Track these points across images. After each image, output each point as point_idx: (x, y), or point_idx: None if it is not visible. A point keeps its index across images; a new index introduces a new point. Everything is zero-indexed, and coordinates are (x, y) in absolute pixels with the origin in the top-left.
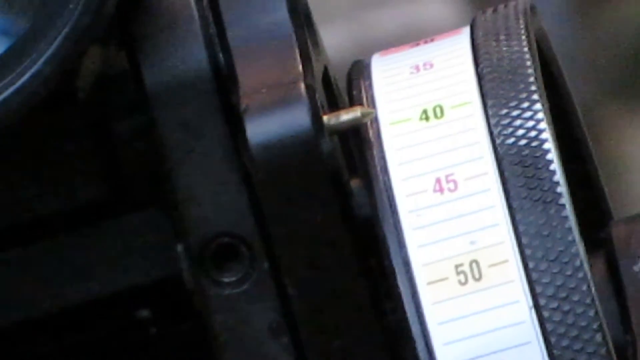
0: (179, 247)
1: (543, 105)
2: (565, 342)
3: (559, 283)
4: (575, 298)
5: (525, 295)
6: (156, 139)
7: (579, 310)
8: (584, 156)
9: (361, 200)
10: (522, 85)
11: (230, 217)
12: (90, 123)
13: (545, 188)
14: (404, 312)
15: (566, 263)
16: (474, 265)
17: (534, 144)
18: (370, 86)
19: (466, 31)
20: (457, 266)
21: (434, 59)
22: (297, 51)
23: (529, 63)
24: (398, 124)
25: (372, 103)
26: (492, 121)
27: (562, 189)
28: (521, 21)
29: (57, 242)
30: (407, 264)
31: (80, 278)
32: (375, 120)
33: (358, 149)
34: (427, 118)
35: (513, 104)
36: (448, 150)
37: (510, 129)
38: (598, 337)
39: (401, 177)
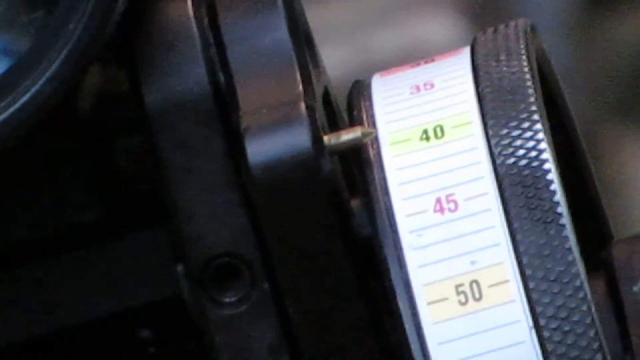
0: (179, 267)
1: (543, 125)
2: None
3: (559, 303)
4: (576, 318)
5: (525, 315)
6: (156, 159)
7: (579, 330)
8: (584, 176)
9: (361, 220)
10: (522, 105)
11: (230, 237)
12: (90, 142)
13: (546, 208)
14: (404, 332)
15: (566, 283)
16: (474, 285)
17: (535, 164)
18: (370, 106)
19: (467, 51)
20: (457, 286)
21: (435, 79)
22: (297, 71)
23: (529, 83)
24: (398, 144)
25: (372, 123)
26: (493, 141)
27: (563, 209)
28: (521, 41)
29: (57, 263)
30: (407, 284)
31: (80, 298)
32: (376, 140)
33: (358, 169)
34: (427, 138)
35: (513, 123)
36: (448, 171)
37: (511, 149)
38: (598, 357)
39: (401, 197)
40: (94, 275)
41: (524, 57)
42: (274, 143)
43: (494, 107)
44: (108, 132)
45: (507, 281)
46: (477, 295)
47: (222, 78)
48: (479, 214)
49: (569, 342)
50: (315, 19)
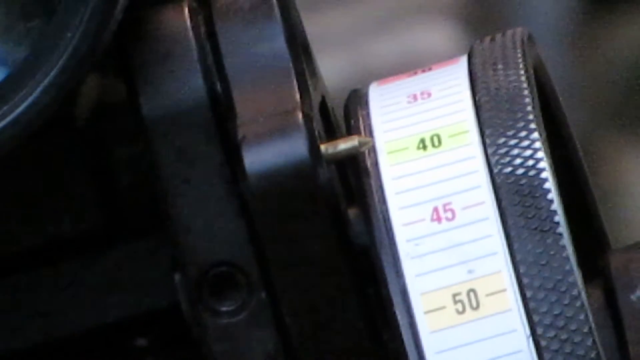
0: (176, 276)
1: (540, 134)
2: None
3: (556, 312)
4: (573, 327)
5: (522, 324)
6: (153, 168)
7: (577, 339)
8: (581, 185)
9: (359, 229)
10: (519, 114)
11: (228, 246)
12: (88, 151)
13: (543, 217)
14: (402, 341)
15: (564, 292)
16: (471, 294)
17: (532, 172)
18: (367, 115)
19: (464, 60)
20: (454, 295)
21: (432, 88)
22: (294, 80)
23: (526, 92)
24: (395, 153)
25: (369, 132)
26: (490, 150)
27: (560, 217)
28: (518, 50)
29: (55, 272)
30: (404, 293)
31: (77, 307)
32: (373, 149)
33: (355, 178)
34: (424, 147)
35: (511, 132)
36: (446, 179)
37: (508, 158)
38: None
39: (399, 206)
40: (91, 284)
41: (521, 66)
42: (271, 152)
43: (491, 116)
44: (105, 141)
45: (504, 290)
46: (474, 304)
47: (219, 87)
48: (476, 223)
49: (566, 351)
50: (313, 28)
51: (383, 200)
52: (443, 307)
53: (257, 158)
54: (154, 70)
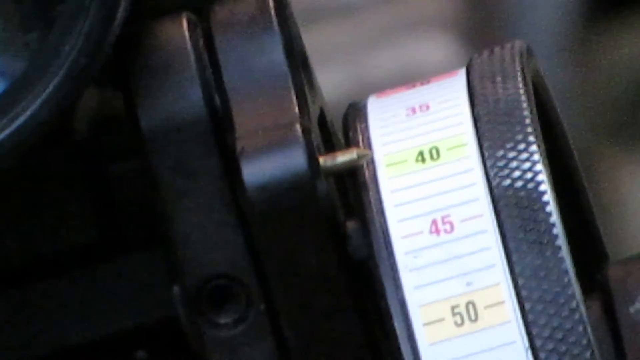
0: (175, 289)
1: (539, 147)
2: None
3: (555, 324)
4: (572, 339)
5: (521, 336)
6: (151, 181)
7: (575, 351)
8: (580, 197)
9: (357, 242)
10: (518, 127)
11: (226, 258)
12: (86, 164)
13: (542, 229)
14: (401, 354)
15: (562, 304)
16: (470, 306)
17: (530, 185)
18: (366, 128)
19: (462, 73)
20: (453, 307)
21: (430, 100)
22: (293, 93)
23: (525, 105)
24: (394, 166)
25: (368, 145)
26: (489, 163)
27: (559, 230)
28: (517, 63)
29: (53, 285)
30: (403, 305)
31: (76, 320)
32: (372, 161)
33: (354, 190)
34: (423, 160)
35: (509, 145)
36: (444, 192)
37: (507, 171)
38: None
39: (397, 218)
40: (90, 297)
41: (519, 79)
42: (270, 164)
43: (490, 128)
44: (104, 154)
45: (502, 302)
46: (473, 317)
47: (217, 100)
48: (475, 235)
49: None
50: (311, 40)
51: (382, 213)
52: (442, 319)
53: (256, 171)
54: (153, 83)
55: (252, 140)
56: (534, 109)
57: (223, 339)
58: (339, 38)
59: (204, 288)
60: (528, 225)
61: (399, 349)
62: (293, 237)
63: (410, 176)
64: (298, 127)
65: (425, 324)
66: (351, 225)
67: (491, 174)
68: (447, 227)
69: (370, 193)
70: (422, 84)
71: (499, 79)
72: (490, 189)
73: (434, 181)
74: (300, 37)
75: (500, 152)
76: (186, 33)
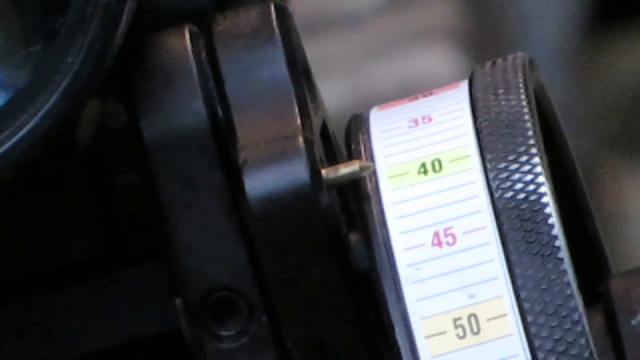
0: (177, 301)
1: (541, 158)
2: None
3: (557, 337)
4: (574, 352)
5: (523, 349)
6: (154, 193)
7: None
8: (582, 209)
9: (360, 254)
10: (520, 139)
11: (229, 270)
12: (88, 176)
13: (544, 241)
14: None
15: (565, 317)
16: (472, 319)
17: (533, 197)
18: (368, 140)
19: (465, 85)
20: (455, 320)
21: (433, 112)
22: (295, 105)
23: (527, 117)
24: (396, 178)
25: (370, 157)
26: (491, 175)
27: (561, 242)
28: (519, 75)
29: (56, 297)
30: (405, 317)
31: (79, 332)
32: (374, 173)
33: (356, 202)
34: (425, 172)
35: (511, 157)
36: (446, 204)
37: (509, 183)
38: None
39: (399, 230)
40: (92, 309)
41: (522, 91)
42: (272, 176)
43: (492, 140)
44: (106, 166)
45: (505, 315)
46: (475, 329)
47: (220, 111)
48: (477, 247)
49: None
50: (314, 52)
51: (384, 225)
52: (444, 332)
53: (258, 182)
54: (155, 94)
55: (254, 152)
56: (536, 121)
57: (225, 351)
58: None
59: (206, 300)
60: (530, 238)
61: None
62: (295, 249)
63: (412, 188)
64: (300, 139)
65: (428, 337)
66: (353, 237)
67: (493, 186)
68: (450, 239)
69: (373, 205)
70: (424, 95)
71: (501, 91)
72: (493, 201)
73: (437, 193)
74: (303, 49)
75: (503, 164)
76: (188, 45)
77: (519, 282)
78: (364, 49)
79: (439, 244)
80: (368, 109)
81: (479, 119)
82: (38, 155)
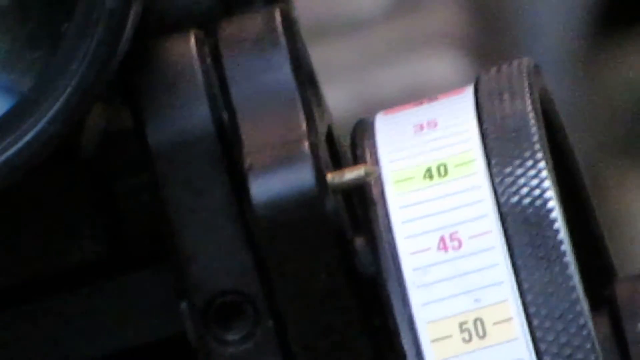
0: (183, 305)
1: (547, 163)
2: None
3: (563, 341)
4: (580, 356)
5: (529, 353)
6: (159, 197)
7: None
8: (587, 213)
9: (365, 259)
10: (525, 144)
11: (234, 275)
12: (93, 181)
13: (549, 246)
14: None
15: (570, 321)
16: (478, 323)
17: (538, 202)
18: (374, 145)
19: (470, 90)
20: (461, 324)
21: (438, 117)
22: (300, 109)
23: (532, 122)
24: (402, 183)
25: (375, 161)
26: (496, 179)
27: (566, 246)
28: (525, 80)
29: (59, 302)
30: (411, 321)
31: (84, 337)
32: (379, 178)
33: (362, 207)
34: (430, 176)
35: (517, 162)
36: (452, 209)
37: (514, 187)
38: None
39: (405, 235)
40: (97, 313)
41: (527, 95)
42: (278, 181)
43: (498, 145)
44: (111, 171)
45: (510, 319)
46: (481, 333)
47: (225, 116)
48: (483, 252)
49: None
50: (319, 57)
51: (389, 230)
52: (450, 336)
53: (264, 187)
54: (160, 100)
55: (259, 156)
56: (542, 126)
57: (231, 356)
58: (347, 55)
59: (211, 304)
60: (536, 242)
61: None
62: (301, 253)
63: (418, 193)
64: (306, 143)
65: (433, 341)
66: (359, 241)
67: (499, 190)
68: (455, 243)
69: (378, 209)
70: (429, 100)
71: (506, 96)
72: (498, 206)
73: (442, 198)
74: (308, 54)
75: (508, 169)
76: (194, 50)
77: (525, 286)
78: (369, 54)
79: (445, 248)
80: (373, 114)
81: (485, 124)
82: (43, 160)
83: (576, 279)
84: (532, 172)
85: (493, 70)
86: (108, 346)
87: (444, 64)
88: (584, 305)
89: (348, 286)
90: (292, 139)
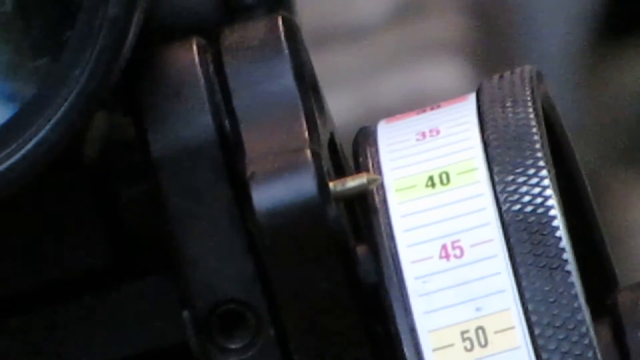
0: (185, 314)
1: (549, 171)
2: None
3: (565, 350)
4: None
5: None
6: (162, 205)
7: None
8: (590, 221)
9: (367, 267)
10: (528, 152)
11: (236, 283)
12: (96, 189)
13: (552, 254)
14: None
15: (572, 330)
16: (480, 331)
17: (540, 210)
18: (376, 153)
19: (472, 98)
20: (463, 333)
21: (440, 125)
22: (303, 117)
23: (535, 129)
24: (404, 191)
25: (378, 170)
26: (498, 188)
27: (568, 255)
28: (527, 88)
29: (63, 310)
30: (413, 330)
31: (87, 345)
32: (381, 186)
33: (364, 215)
34: (433, 185)
35: (519, 170)
36: (454, 217)
37: (517, 196)
38: None
39: (407, 243)
40: (99, 322)
41: (529, 103)
42: (280, 189)
43: (500, 153)
44: (114, 179)
45: (512, 327)
46: (482, 342)
47: (228, 124)
48: (485, 260)
49: None
50: (321, 65)
51: (391, 238)
52: (451, 345)
53: (266, 195)
54: (163, 107)
55: (262, 165)
56: (544, 134)
57: None
58: (349, 62)
59: (213, 313)
60: (538, 250)
61: None
62: (303, 261)
63: (420, 201)
64: (308, 152)
65: (435, 350)
66: (361, 250)
67: (501, 198)
68: (457, 252)
69: (380, 218)
70: (432, 108)
71: (509, 103)
72: (500, 214)
73: (444, 206)
74: (310, 62)
75: (510, 177)
76: (196, 58)
77: (527, 294)
78: (371, 62)
79: (447, 256)
80: (375, 122)
81: (487, 132)
82: (45, 168)
83: (578, 288)
84: (534, 180)
85: (495, 78)
86: (110, 354)
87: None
88: (586, 313)
89: (350, 295)
90: (294, 147)
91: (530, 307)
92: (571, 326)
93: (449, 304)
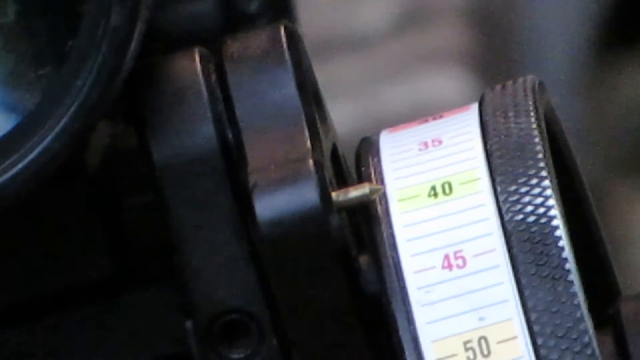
0: (188, 324)
1: (551, 181)
2: None
3: (567, 359)
4: None
5: None
6: (164, 215)
7: None
8: (592, 231)
9: (370, 277)
10: (530, 162)
11: (239, 293)
12: (99, 198)
13: (554, 264)
14: None
15: (575, 339)
16: (482, 341)
17: (543, 220)
18: (378, 163)
19: (475, 108)
20: (465, 342)
21: (443, 135)
22: (305, 127)
23: (537, 139)
24: (406, 201)
25: (380, 180)
26: (501, 197)
27: (571, 265)
28: (529, 98)
29: (64, 320)
30: (415, 340)
31: (87, 355)
32: (384, 196)
33: (366, 225)
34: (435, 195)
35: (522, 180)
36: (457, 227)
37: (519, 206)
38: None
39: (410, 253)
40: (102, 331)
41: (532, 113)
42: (283, 199)
43: (502, 163)
44: (116, 188)
45: (515, 337)
46: (485, 352)
47: (230, 134)
48: (487, 270)
49: None
50: (324, 74)
51: (394, 248)
52: (454, 355)
53: (268, 205)
54: (165, 117)
55: (264, 174)
56: (546, 144)
57: None
58: (351, 72)
59: (216, 323)
60: (540, 260)
61: None
62: (305, 271)
63: (422, 211)
64: (310, 161)
65: (438, 359)
66: (363, 259)
67: (503, 208)
68: (460, 262)
69: (383, 228)
70: (434, 118)
71: (511, 113)
72: (503, 224)
73: (447, 216)
74: (313, 71)
75: (513, 187)
76: (198, 67)
77: (529, 304)
78: (374, 72)
79: (449, 266)
80: (378, 132)
81: (489, 142)
82: (48, 177)
83: (580, 297)
84: (536, 190)
85: (498, 88)
86: None
87: (449, 81)
88: (588, 323)
89: (352, 304)
90: (296, 156)
91: (532, 317)
92: (574, 336)
93: (452, 314)
